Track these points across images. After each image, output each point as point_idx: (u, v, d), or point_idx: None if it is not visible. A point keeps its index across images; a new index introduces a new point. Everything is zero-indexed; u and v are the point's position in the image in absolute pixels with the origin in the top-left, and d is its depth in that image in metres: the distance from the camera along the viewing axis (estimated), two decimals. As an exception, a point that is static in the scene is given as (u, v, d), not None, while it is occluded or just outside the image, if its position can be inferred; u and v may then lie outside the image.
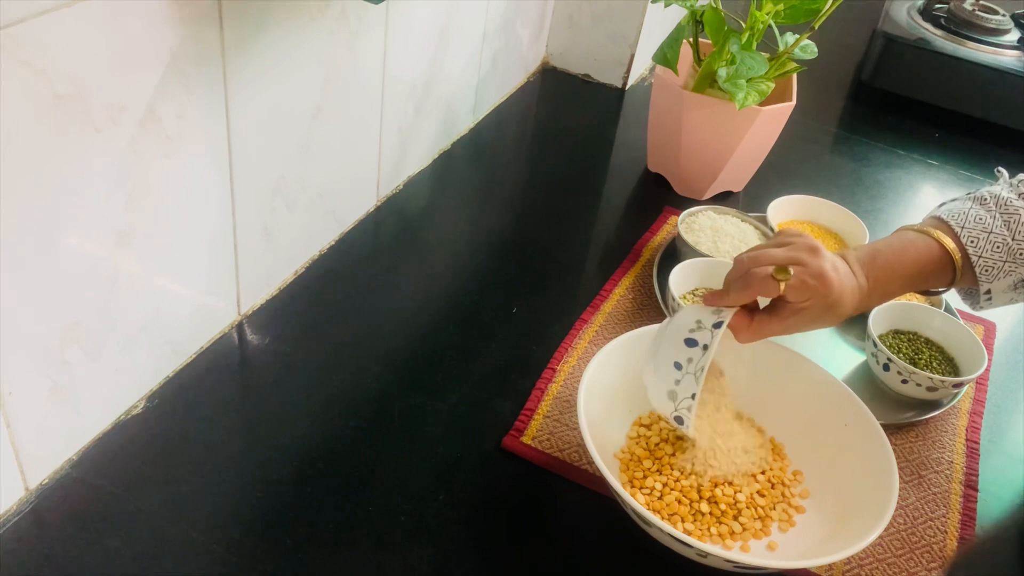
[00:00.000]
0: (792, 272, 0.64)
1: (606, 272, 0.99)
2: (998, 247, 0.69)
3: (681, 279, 0.91)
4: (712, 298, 0.69)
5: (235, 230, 0.79)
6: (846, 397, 0.76)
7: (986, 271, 0.70)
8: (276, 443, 0.74)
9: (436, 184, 1.11)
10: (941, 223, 0.72)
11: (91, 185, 0.61)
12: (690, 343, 0.66)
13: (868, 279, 0.68)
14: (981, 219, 0.70)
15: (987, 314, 1.01)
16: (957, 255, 0.70)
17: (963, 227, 0.70)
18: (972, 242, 0.70)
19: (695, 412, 0.67)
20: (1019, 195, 0.71)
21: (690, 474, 0.72)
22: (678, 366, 0.67)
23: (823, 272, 0.64)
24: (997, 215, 0.70)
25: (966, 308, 0.99)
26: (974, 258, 0.69)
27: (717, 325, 0.66)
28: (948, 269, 0.70)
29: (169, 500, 0.67)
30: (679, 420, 0.68)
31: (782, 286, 0.64)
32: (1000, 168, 0.75)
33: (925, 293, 0.75)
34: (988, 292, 0.72)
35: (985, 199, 0.72)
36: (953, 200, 0.74)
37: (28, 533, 0.64)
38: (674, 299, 0.87)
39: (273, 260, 0.87)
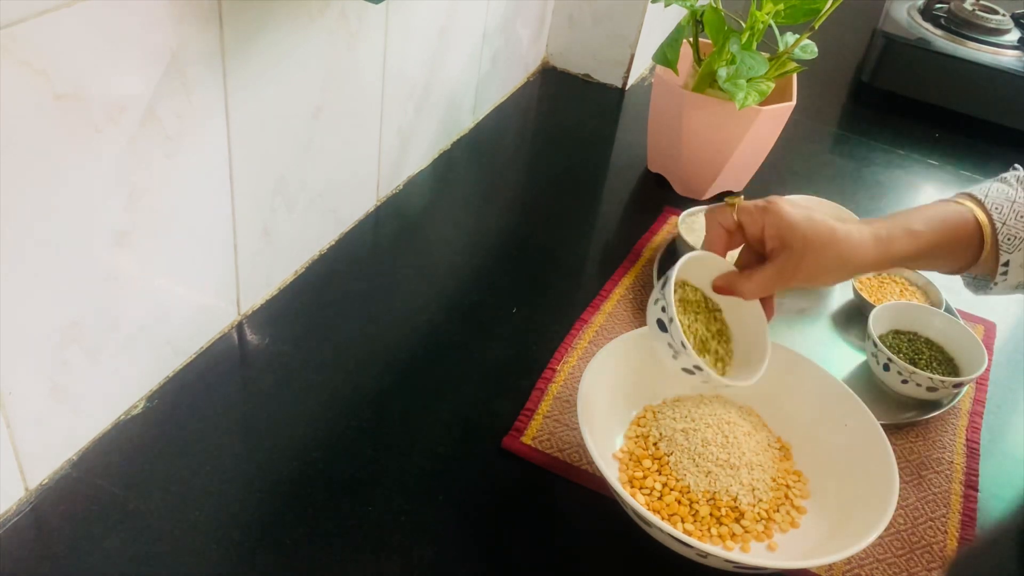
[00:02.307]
0: (742, 197, 0.68)
1: (606, 272, 0.99)
2: (1021, 216, 0.68)
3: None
4: None
5: (235, 230, 0.79)
6: (846, 397, 0.76)
7: (1008, 240, 0.68)
8: (276, 443, 0.74)
9: (436, 184, 1.11)
10: (966, 196, 0.71)
11: (91, 185, 0.61)
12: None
13: (886, 222, 0.67)
14: (1004, 191, 0.69)
15: (987, 314, 1.01)
16: (986, 224, 0.68)
17: (987, 196, 0.69)
18: (996, 209, 0.68)
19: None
20: None
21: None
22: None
23: (770, 199, 0.67)
24: (1019, 189, 0.70)
25: (965, 308, 1.00)
26: (998, 224, 0.68)
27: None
28: (976, 237, 0.69)
29: (169, 500, 0.67)
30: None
31: (735, 211, 0.67)
32: (1017, 165, 0.75)
33: (946, 271, 0.74)
34: (1006, 265, 0.69)
35: (1006, 178, 0.72)
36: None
37: (28, 533, 0.64)
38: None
39: (273, 260, 0.87)
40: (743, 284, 0.68)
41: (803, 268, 0.65)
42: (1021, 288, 0.72)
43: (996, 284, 0.71)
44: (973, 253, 0.70)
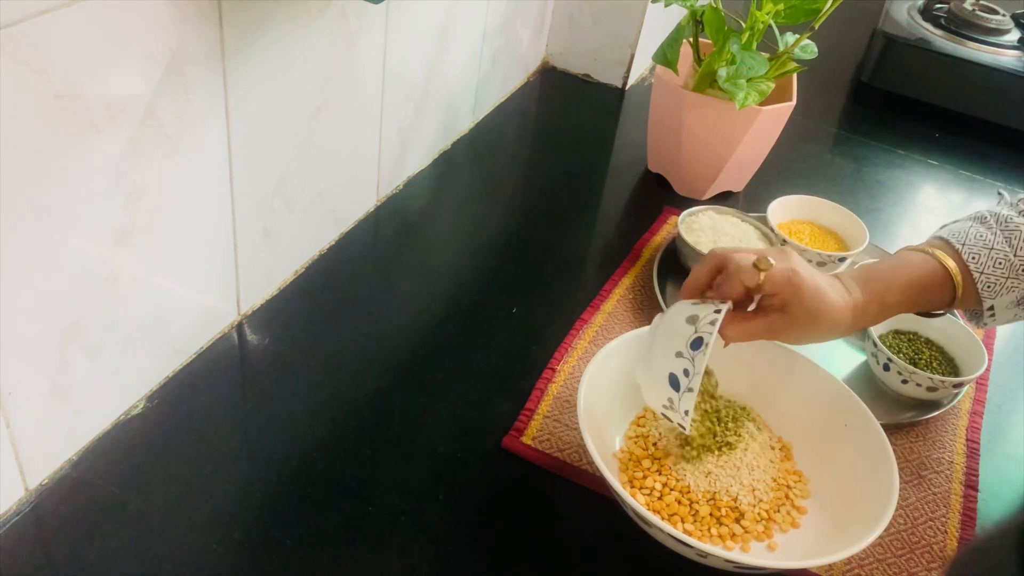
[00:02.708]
0: (773, 263, 0.66)
1: (606, 272, 0.99)
2: (1000, 263, 0.69)
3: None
4: (690, 290, 0.70)
5: (235, 230, 0.79)
6: (846, 397, 0.76)
7: (988, 287, 0.69)
8: (276, 443, 0.74)
9: (436, 184, 1.11)
10: (942, 242, 0.72)
11: (91, 185, 0.61)
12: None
13: (863, 292, 0.69)
14: (982, 236, 0.70)
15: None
16: (956, 273, 0.69)
17: (964, 244, 0.70)
18: (973, 258, 0.69)
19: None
20: (1019, 212, 0.71)
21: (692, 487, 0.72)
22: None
23: (795, 268, 0.66)
24: (998, 232, 0.70)
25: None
26: (976, 274, 0.69)
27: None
28: (948, 287, 0.70)
29: (169, 500, 0.67)
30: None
31: (762, 275, 0.66)
32: (1001, 190, 0.75)
33: (928, 315, 0.75)
34: (991, 309, 0.71)
35: (985, 218, 0.72)
36: (955, 221, 0.74)
37: (28, 533, 0.64)
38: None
39: (273, 260, 0.87)
40: (730, 328, 0.68)
41: (789, 332, 0.68)
42: (1018, 318, 0.72)
43: (986, 324, 0.73)
44: (946, 301, 0.71)
